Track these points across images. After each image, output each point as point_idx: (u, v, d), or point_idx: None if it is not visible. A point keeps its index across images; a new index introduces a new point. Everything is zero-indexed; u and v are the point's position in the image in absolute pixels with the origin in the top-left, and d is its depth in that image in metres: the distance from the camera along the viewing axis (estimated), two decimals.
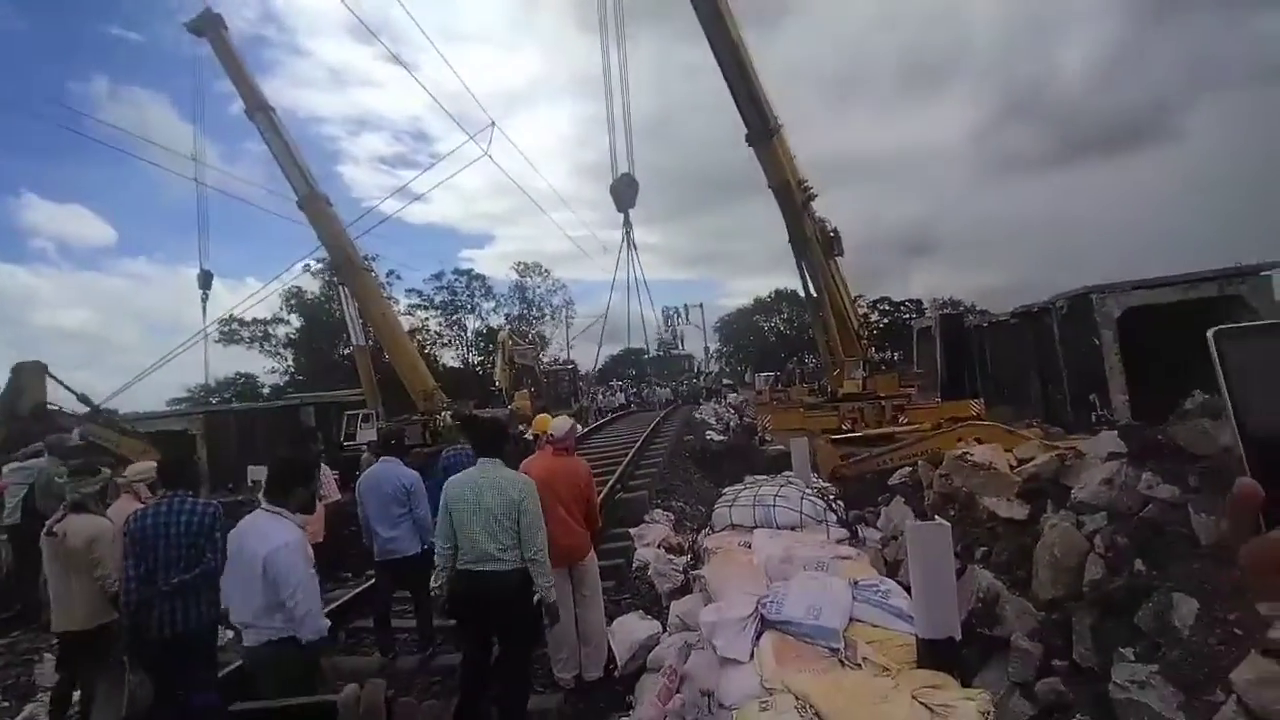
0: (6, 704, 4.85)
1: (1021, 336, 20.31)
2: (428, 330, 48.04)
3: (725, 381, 43.81)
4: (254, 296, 32.05)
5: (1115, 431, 4.39)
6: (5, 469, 7.40)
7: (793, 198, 15.76)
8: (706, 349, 57.06)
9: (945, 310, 31.34)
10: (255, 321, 43.22)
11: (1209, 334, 0.54)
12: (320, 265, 39.27)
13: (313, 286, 41.22)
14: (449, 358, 48.77)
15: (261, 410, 26.49)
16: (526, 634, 3.63)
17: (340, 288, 22.27)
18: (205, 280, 20.03)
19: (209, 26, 17.95)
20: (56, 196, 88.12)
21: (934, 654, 2.61)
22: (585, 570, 4.31)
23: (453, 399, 22.52)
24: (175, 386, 38.12)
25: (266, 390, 41.57)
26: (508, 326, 29.34)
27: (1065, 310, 17.54)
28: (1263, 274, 15.63)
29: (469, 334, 50.32)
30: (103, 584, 3.79)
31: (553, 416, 5.55)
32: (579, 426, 5.24)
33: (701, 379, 43.47)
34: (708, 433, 19.32)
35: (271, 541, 2.84)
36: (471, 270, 51.42)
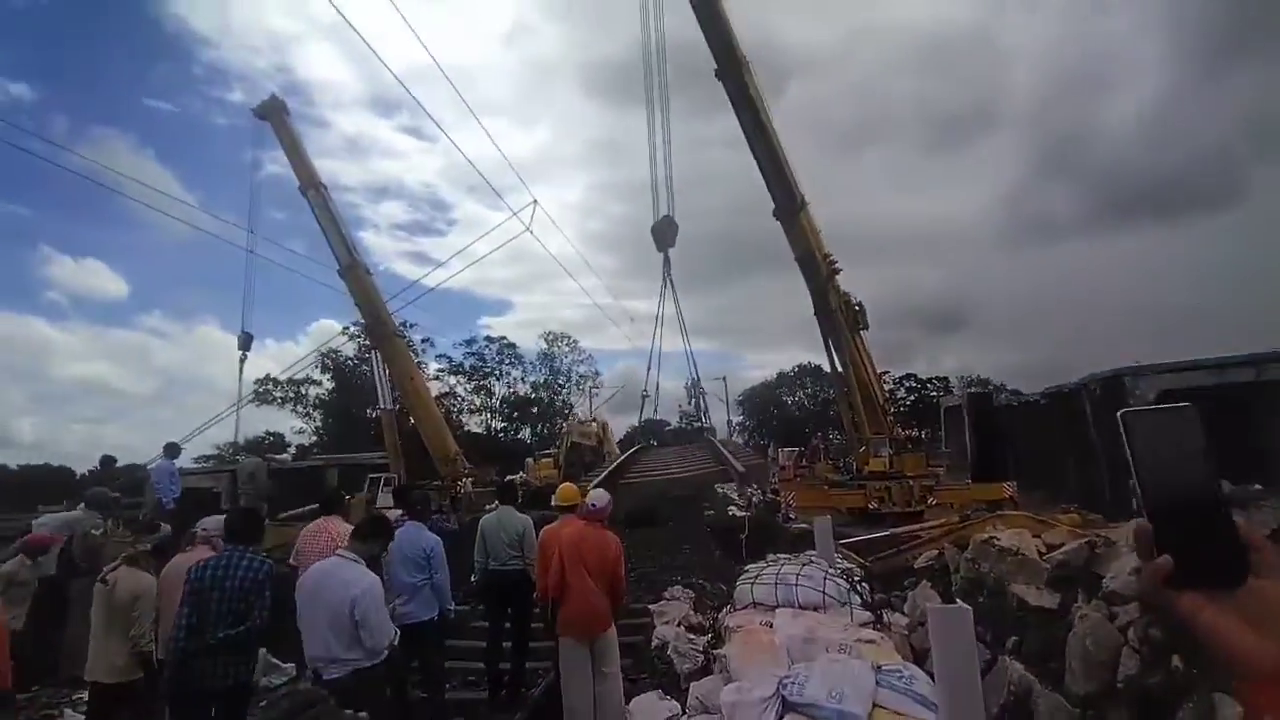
0: None
1: (1054, 418, 19.86)
2: (455, 395, 48.80)
3: None
4: (300, 362, 33.36)
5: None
6: (39, 521, 7.61)
7: (819, 271, 16.02)
8: (729, 422, 56.69)
9: (973, 389, 30.89)
10: (290, 382, 44.55)
11: (1118, 415, 0.64)
12: (357, 329, 40.85)
13: (348, 349, 42.63)
14: (474, 424, 49.22)
15: (288, 470, 26.82)
16: (529, 608, 5.58)
17: (373, 352, 23.01)
18: (245, 342, 20.91)
19: (273, 112, 19.68)
20: (73, 251, 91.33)
21: None
22: (606, 644, 4.29)
23: (475, 465, 22.65)
24: (203, 443, 39.02)
25: (293, 450, 42.23)
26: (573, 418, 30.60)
27: (1098, 392, 17.21)
28: None
29: (495, 400, 50.94)
30: (135, 642, 3.89)
31: (578, 487, 5.64)
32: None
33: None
34: (730, 508, 18.95)
35: (360, 585, 3.44)
36: (503, 338, 52.69)
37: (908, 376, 52.67)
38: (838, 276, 16.48)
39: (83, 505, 7.47)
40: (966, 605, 2.79)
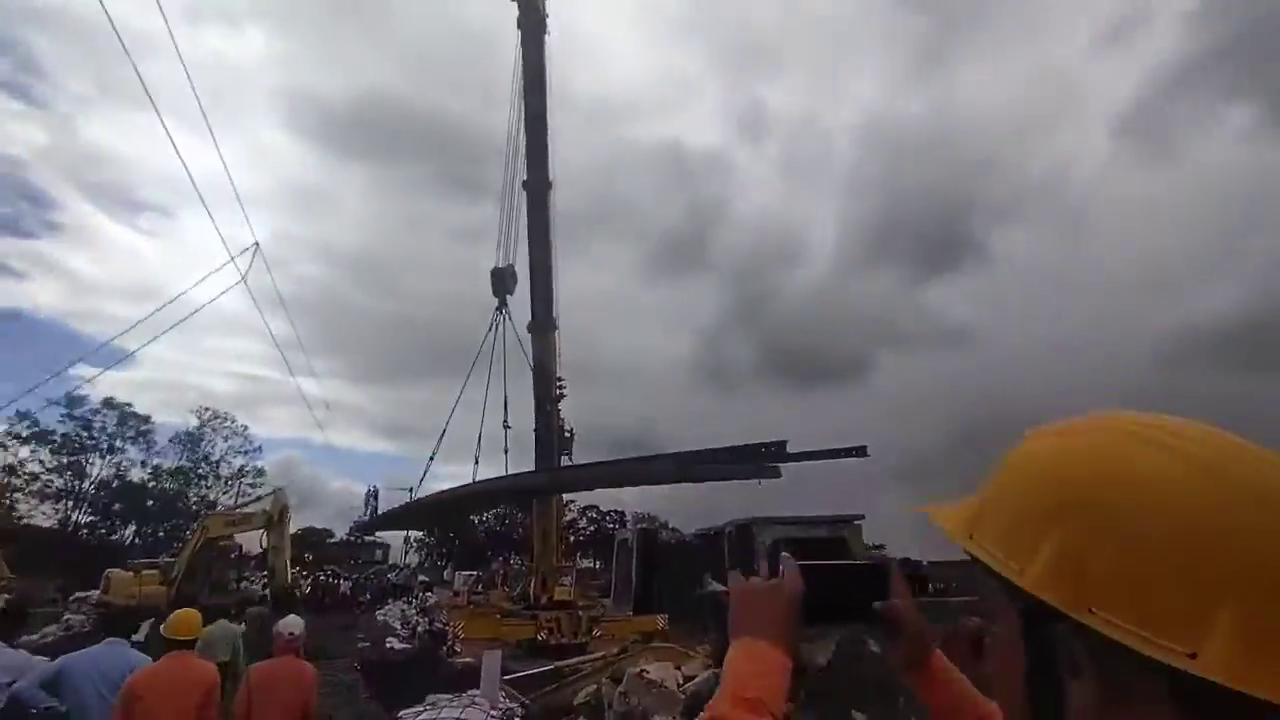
0: None
1: (702, 556, 23.00)
2: (18, 471, 35.40)
3: (421, 578, 39.68)
4: None
5: None
6: None
7: (550, 390, 16.94)
8: (407, 539, 51.92)
9: (643, 525, 34.32)
10: None
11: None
12: None
13: None
14: (44, 513, 35.95)
15: None
16: None
17: None
18: None
19: None
20: None
21: None
22: None
23: (27, 574, 16.34)
24: None
25: None
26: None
27: (734, 536, 20.69)
28: (855, 522, 20.90)
29: (89, 485, 38.09)
30: None
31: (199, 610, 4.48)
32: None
33: (394, 574, 38.75)
34: (388, 640, 16.90)
35: None
36: (128, 405, 40.18)
37: (590, 507, 55.66)
38: (563, 401, 17.62)
39: None
40: None
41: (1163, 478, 0.45)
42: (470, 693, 5.50)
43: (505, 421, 17.23)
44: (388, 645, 15.75)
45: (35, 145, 75.96)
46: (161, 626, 4.04)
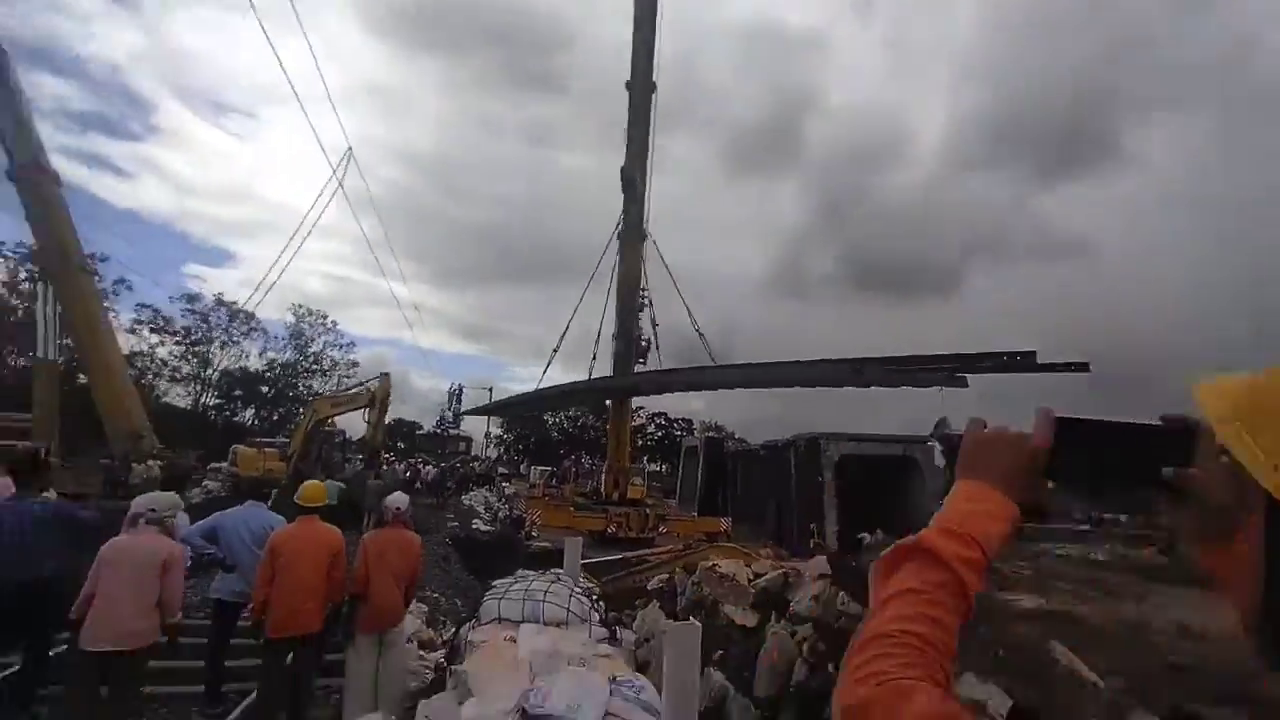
0: None
1: (767, 466, 23.44)
2: (154, 358, 39.81)
3: (501, 470, 42.68)
4: None
5: (824, 557, 5.43)
6: None
7: (635, 299, 17.28)
8: (488, 434, 55.50)
9: (710, 434, 35.10)
10: None
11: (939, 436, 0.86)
12: (12, 252, 31.30)
13: None
14: (177, 395, 40.67)
15: None
16: None
17: (40, 283, 17.77)
18: None
19: None
20: None
21: None
22: (397, 633, 4.83)
23: (170, 446, 18.74)
24: None
25: None
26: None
27: (801, 449, 20.82)
28: (928, 442, 20.50)
29: (212, 372, 42.43)
30: None
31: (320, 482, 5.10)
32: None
33: (477, 464, 41.91)
34: (474, 521, 18.56)
35: None
36: (234, 304, 43.14)
37: (659, 414, 57.05)
38: (645, 310, 17.94)
39: None
40: (698, 624, 3.21)
41: None
42: (555, 570, 6.01)
43: (653, 319, 17.80)
44: (474, 526, 17.36)
45: (128, 48, 78.51)
46: (295, 496, 4.63)
